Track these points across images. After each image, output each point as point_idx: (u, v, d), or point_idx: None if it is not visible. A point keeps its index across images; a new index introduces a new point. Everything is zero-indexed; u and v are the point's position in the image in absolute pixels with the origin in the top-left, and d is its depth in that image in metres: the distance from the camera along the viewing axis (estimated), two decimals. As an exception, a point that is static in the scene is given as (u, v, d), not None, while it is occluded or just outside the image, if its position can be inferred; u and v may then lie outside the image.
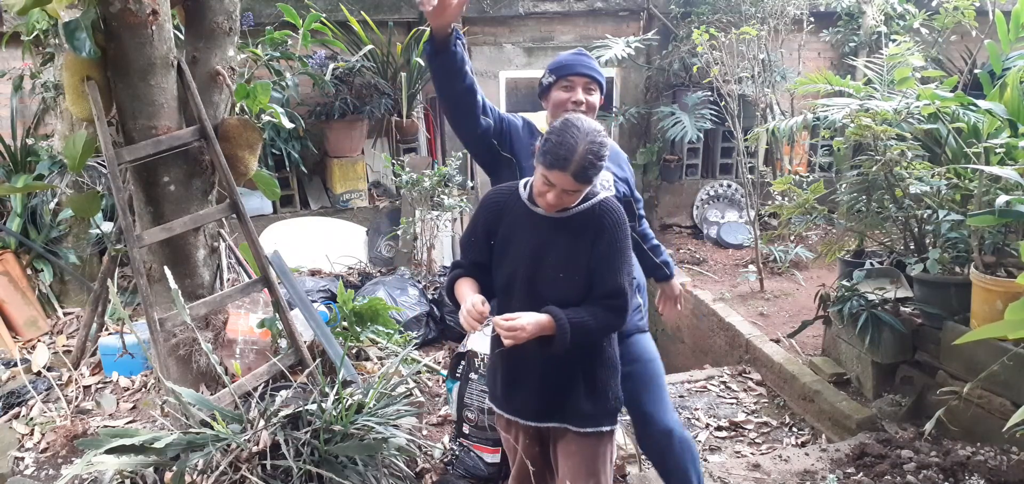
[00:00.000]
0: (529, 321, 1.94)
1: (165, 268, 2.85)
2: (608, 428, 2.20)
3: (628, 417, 3.46)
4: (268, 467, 2.35)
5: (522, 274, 2.07)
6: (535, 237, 2.08)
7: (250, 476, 2.32)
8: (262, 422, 2.46)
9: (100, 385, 3.93)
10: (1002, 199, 2.53)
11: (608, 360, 2.18)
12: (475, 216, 2.20)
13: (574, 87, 2.49)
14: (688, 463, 2.56)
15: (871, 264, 3.91)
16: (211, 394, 2.88)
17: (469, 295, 2.03)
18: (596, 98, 2.55)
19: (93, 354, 4.15)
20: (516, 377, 2.19)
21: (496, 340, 2.20)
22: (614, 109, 7.26)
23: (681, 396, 4.14)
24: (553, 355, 2.03)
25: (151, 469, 2.45)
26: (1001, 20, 3.46)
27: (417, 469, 3.02)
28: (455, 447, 3.13)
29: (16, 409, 3.70)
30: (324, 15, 4.19)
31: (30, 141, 5.29)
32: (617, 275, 2.03)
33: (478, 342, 3.11)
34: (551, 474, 2.33)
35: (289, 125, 3.60)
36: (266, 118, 3.45)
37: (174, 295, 2.63)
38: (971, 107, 3.03)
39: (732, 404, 4.01)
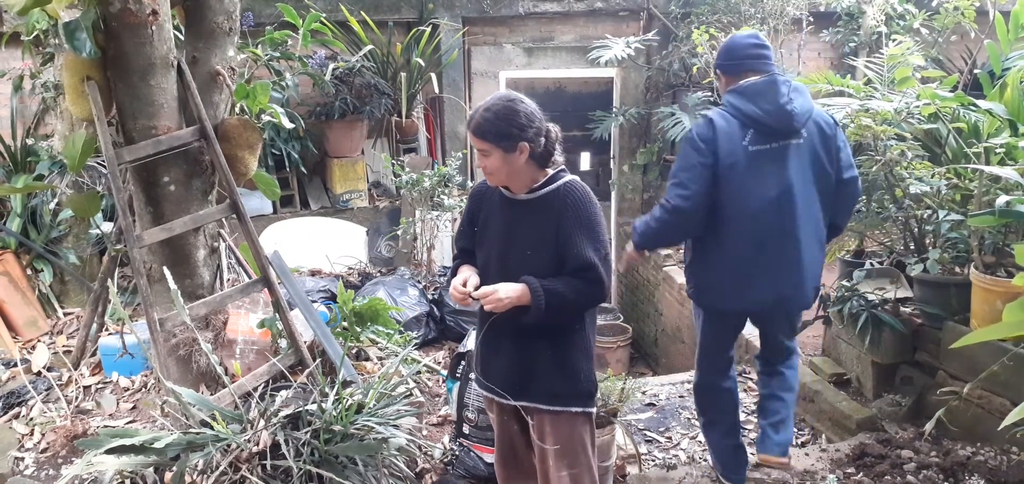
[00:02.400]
0: (505, 291, 2.11)
1: (165, 268, 2.85)
2: (580, 409, 2.28)
3: (629, 417, 3.49)
4: (268, 467, 2.35)
5: (496, 253, 2.24)
6: (507, 219, 2.26)
7: (250, 476, 2.32)
8: (262, 422, 2.46)
9: (100, 385, 3.93)
10: (1002, 199, 2.53)
11: (580, 342, 2.27)
12: (465, 208, 2.44)
13: None
14: None
15: (871, 264, 3.91)
16: (211, 394, 2.88)
17: (457, 275, 2.27)
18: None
19: (93, 354, 4.15)
20: (492, 354, 2.32)
21: (482, 315, 2.34)
22: (614, 109, 7.26)
23: (681, 396, 4.15)
24: (529, 326, 2.15)
25: (151, 469, 2.45)
26: (1000, 21, 3.46)
27: (417, 469, 3.02)
28: (455, 447, 3.13)
29: (16, 409, 3.71)
30: (324, 15, 4.19)
31: (30, 141, 5.29)
32: (584, 249, 2.15)
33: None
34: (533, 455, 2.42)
35: (289, 125, 3.61)
36: (266, 118, 3.45)
37: (174, 295, 2.63)
38: (971, 107, 3.03)
39: (732, 404, 4.00)
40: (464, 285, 2.19)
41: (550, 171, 2.24)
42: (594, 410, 2.34)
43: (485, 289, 2.12)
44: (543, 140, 2.17)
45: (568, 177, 2.25)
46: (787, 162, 2.69)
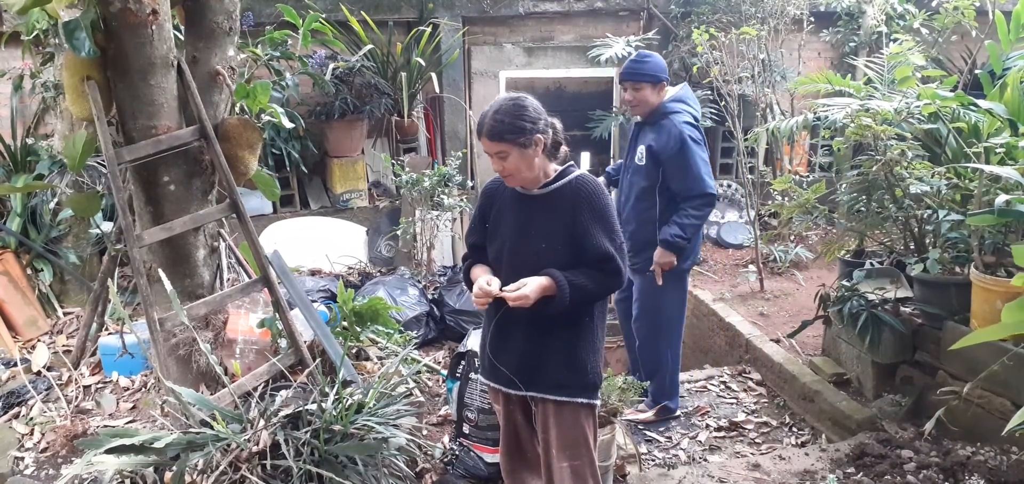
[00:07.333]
0: (532, 287, 2.13)
1: (161, 270, 2.85)
2: (585, 400, 2.32)
3: (628, 417, 3.49)
4: (268, 467, 2.35)
5: (508, 247, 2.28)
6: (519, 214, 2.30)
7: (250, 476, 2.32)
8: (262, 422, 2.46)
9: (100, 385, 3.93)
10: (1002, 199, 2.53)
11: (588, 335, 2.32)
12: (476, 205, 2.48)
13: (626, 89, 3.49)
14: None
15: (871, 264, 3.91)
16: (211, 394, 2.88)
17: (480, 277, 2.27)
18: (644, 93, 3.44)
19: (93, 354, 4.15)
20: (501, 347, 2.34)
21: (491, 308, 2.36)
22: (614, 109, 7.26)
23: (681, 396, 4.14)
24: (541, 318, 2.20)
25: (151, 469, 2.45)
26: (1001, 20, 3.45)
27: (417, 469, 3.02)
28: (455, 447, 3.13)
29: (16, 409, 3.70)
30: (324, 15, 4.20)
31: (30, 141, 5.29)
32: (602, 241, 2.21)
33: (478, 342, 3.11)
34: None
35: (289, 125, 3.61)
36: (266, 118, 3.45)
37: (171, 297, 2.63)
38: (971, 107, 3.03)
39: (732, 404, 4.01)
40: (488, 286, 2.20)
41: (559, 167, 2.31)
42: (598, 403, 2.38)
43: (514, 286, 2.14)
44: (551, 131, 2.25)
45: (579, 171, 2.32)
46: None
